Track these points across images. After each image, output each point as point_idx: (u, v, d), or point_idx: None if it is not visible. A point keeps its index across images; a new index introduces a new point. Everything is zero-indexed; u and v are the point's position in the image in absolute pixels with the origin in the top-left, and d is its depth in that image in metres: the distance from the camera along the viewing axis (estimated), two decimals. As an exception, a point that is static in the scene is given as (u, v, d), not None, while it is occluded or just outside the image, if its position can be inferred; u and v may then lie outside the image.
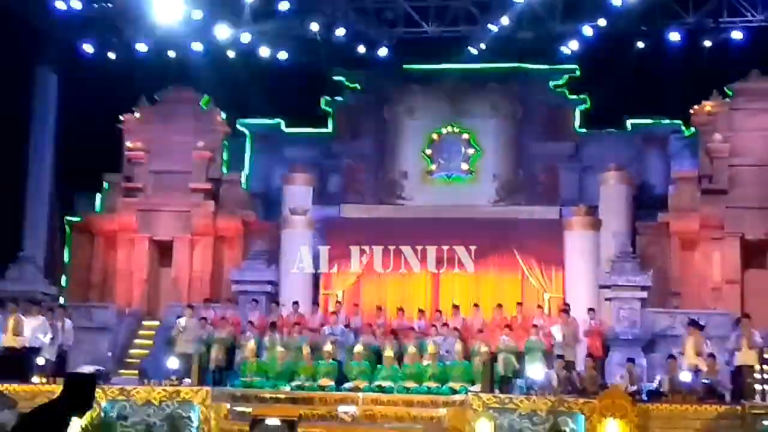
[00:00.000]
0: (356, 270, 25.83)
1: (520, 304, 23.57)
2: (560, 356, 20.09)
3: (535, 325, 21.46)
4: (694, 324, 20.47)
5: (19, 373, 20.08)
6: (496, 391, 18.89)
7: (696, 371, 18.95)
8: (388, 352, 20.79)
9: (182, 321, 22.08)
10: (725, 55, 25.66)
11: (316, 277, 25.88)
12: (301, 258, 25.21)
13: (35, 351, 20.80)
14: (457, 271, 25.20)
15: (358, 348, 20.93)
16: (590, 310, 22.44)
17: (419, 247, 25.24)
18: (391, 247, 25.26)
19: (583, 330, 21.80)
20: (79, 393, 7.65)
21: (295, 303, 23.49)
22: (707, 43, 25.68)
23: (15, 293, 23.60)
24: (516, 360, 20.67)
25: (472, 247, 25.01)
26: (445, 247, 25.05)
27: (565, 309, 22.07)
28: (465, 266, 24.85)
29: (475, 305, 23.48)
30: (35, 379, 19.33)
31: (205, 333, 21.98)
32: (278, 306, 23.58)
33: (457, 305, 23.74)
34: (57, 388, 18.08)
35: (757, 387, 19.08)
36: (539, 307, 23.58)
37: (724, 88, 26.49)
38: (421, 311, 23.76)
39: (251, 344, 21.31)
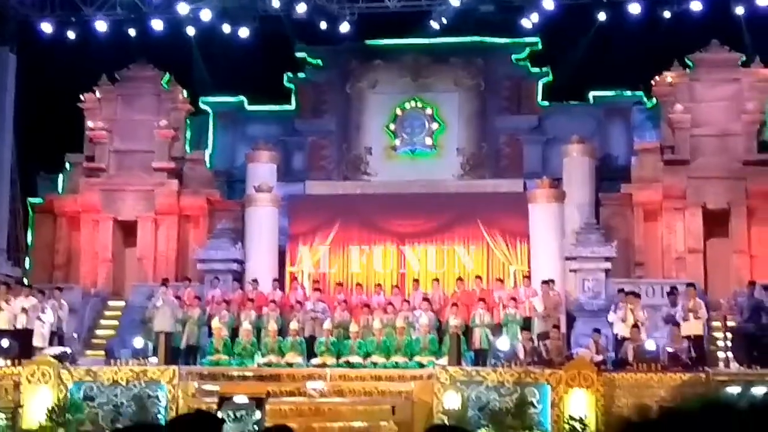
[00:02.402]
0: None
1: (460, 279, 23.79)
2: (526, 328, 20.23)
3: (513, 298, 21.62)
4: (632, 293, 20.80)
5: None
6: (464, 363, 19.05)
7: (626, 340, 19.27)
8: (354, 327, 20.88)
9: (159, 299, 22.02)
10: (685, 25, 25.77)
11: (281, 255, 25.89)
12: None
13: (29, 333, 20.72)
14: (423, 245, 25.47)
15: (327, 325, 20.99)
16: (550, 281, 22.54)
17: (384, 224, 25.61)
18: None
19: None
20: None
21: (254, 281, 23.60)
22: (667, 14, 25.75)
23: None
24: (491, 333, 20.78)
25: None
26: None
27: (547, 281, 22.11)
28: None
29: (435, 280, 23.71)
30: (0, 361, 19.24)
31: (180, 312, 21.96)
32: (254, 283, 23.56)
33: (417, 279, 24.02)
34: (22, 371, 18.04)
35: (720, 355, 19.40)
36: (499, 280, 23.81)
37: (685, 58, 26.64)
38: (378, 285, 23.99)
39: (216, 323, 21.32)
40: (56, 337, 21.47)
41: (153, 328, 21.55)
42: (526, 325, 21.03)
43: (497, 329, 21.01)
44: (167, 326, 21.46)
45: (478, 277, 23.99)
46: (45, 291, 22.36)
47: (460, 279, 23.73)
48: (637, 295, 20.97)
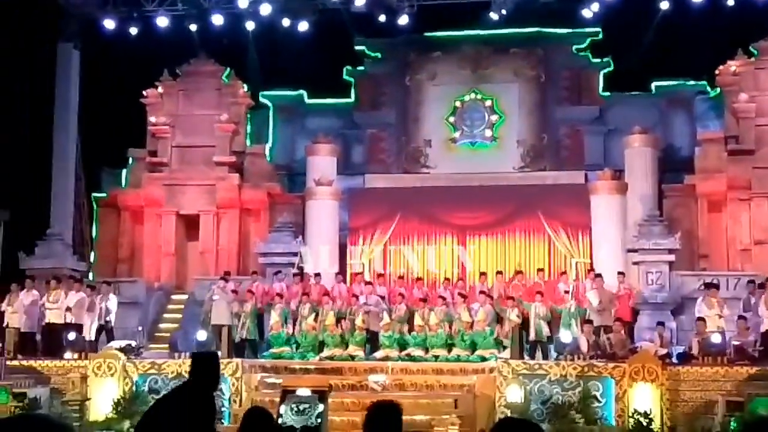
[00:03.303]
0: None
1: (540, 270, 23.66)
2: (589, 321, 20.06)
3: (567, 291, 21.44)
4: (712, 285, 20.50)
5: (53, 350, 20.42)
6: (526, 357, 18.95)
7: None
8: (418, 320, 20.85)
9: (214, 293, 22.23)
10: (749, 13, 25.36)
11: (342, 248, 25.95)
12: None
13: (78, 327, 21.03)
14: (484, 238, 25.44)
15: (386, 318, 20.99)
16: (620, 273, 22.37)
17: (444, 217, 25.61)
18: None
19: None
20: (206, 371, 7.58)
21: (317, 275, 23.66)
22: (730, 2, 25.37)
23: (44, 270, 23.77)
24: (548, 326, 20.62)
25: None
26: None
27: (600, 275, 21.93)
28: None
29: (498, 272, 23.53)
30: (68, 354, 19.54)
31: (236, 305, 22.12)
32: (316, 277, 23.62)
33: (485, 273, 23.81)
34: (89, 364, 18.32)
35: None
36: (562, 273, 23.63)
37: (749, 47, 26.19)
38: (447, 279, 23.93)
39: (275, 316, 21.45)
40: (104, 330, 21.72)
41: (210, 322, 21.77)
42: (590, 318, 20.85)
43: (557, 322, 20.86)
44: (224, 319, 21.67)
45: (540, 269, 23.85)
46: (95, 285, 22.67)
47: (519, 272, 23.56)
48: (716, 287, 20.66)
